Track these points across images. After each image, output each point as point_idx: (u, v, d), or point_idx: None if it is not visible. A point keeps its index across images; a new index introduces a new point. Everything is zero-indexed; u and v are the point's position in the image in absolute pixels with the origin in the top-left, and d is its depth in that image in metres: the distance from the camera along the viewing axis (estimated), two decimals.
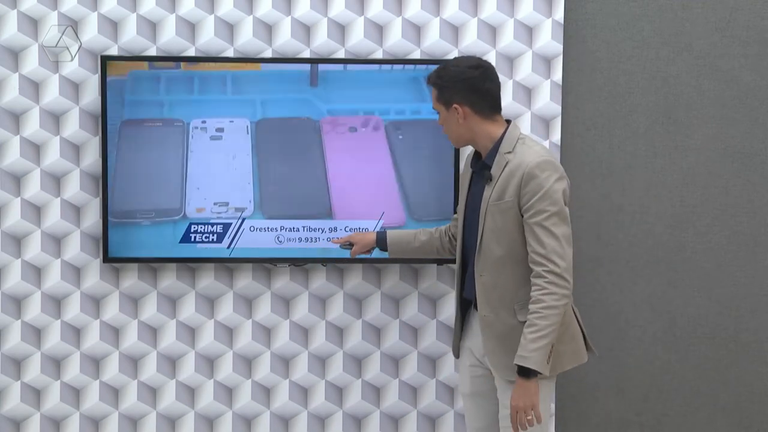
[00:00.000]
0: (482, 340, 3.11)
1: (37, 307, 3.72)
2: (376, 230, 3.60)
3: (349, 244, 3.49)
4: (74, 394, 3.76)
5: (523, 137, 3.06)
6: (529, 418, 2.95)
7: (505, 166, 3.00)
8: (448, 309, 3.78)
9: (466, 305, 3.25)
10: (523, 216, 2.97)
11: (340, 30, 3.72)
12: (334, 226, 3.69)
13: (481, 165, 3.08)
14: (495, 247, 3.03)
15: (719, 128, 3.89)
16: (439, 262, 3.72)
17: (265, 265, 3.75)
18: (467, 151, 3.67)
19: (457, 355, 3.30)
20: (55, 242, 3.70)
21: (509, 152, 3.01)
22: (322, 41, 3.72)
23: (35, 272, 3.71)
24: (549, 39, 3.75)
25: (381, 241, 3.45)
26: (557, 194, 2.94)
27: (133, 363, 3.77)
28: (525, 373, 2.93)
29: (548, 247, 2.92)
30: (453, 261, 3.66)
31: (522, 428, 2.97)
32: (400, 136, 3.67)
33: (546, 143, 3.76)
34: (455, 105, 3.06)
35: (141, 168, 3.63)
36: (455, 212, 3.42)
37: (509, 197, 2.98)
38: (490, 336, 3.08)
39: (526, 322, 2.96)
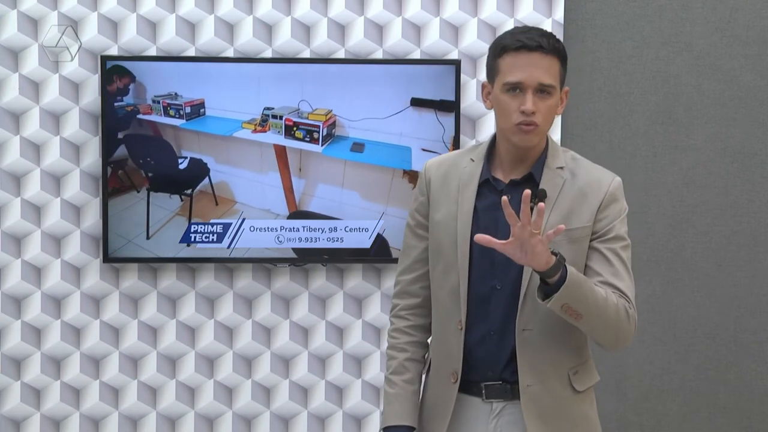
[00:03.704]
0: (525, 419, 2.32)
1: (37, 307, 3.72)
2: None
3: None
4: (74, 394, 3.76)
5: (564, 148, 2.41)
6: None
7: (563, 185, 2.32)
8: None
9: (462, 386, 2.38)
10: (592, 241, 2.33)
11: (340, 30, 3.72)
12: (334, 226, 3.69)
13: (526, 178, 2.32)
14: None
15: (719, 128, 3.89)
16: None
17: (265, 265, 3.75)
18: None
19: None
20: (55, 242, 3.70)
21: (560, 167, 2.33)
22: (322, 41, 3.72)
23: (35, 272, 3.71)
24: None
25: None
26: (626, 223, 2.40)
27: (133, 363, 3.77)
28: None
29: (625, 282, 2.34)
30: None
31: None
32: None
33: None
34: (566, 89, 2.33)
35: None
36: (402, 271, 2.48)
37: (584, 222, 2.31)
38: (533, 414, 2.32)
39: (582, 393, 2.36)
